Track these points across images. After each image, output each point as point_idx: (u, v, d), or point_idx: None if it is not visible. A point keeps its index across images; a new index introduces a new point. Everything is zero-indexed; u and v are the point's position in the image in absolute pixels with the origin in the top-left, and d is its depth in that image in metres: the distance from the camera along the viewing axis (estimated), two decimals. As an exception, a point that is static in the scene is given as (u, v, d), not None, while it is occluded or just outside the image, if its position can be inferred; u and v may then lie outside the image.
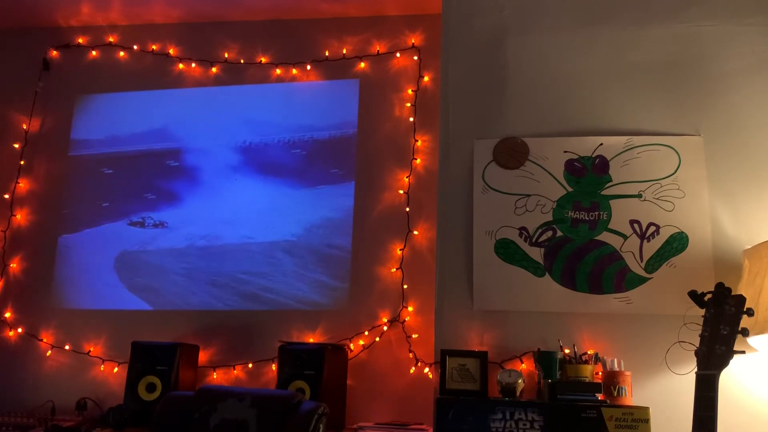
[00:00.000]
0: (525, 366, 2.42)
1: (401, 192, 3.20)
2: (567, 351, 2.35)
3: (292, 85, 3.44)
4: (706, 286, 1.94)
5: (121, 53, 3.65)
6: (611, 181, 2.56)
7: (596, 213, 2.54)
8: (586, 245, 2.51)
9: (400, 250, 3.13)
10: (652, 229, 2.49)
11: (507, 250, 2.55)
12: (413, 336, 3.01)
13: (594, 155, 2.60)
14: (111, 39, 3.67)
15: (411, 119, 3.29)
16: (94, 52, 3.68)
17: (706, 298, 1.89)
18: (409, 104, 3.31)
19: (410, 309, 3.05)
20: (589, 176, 2.58)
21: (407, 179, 3.21)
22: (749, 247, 2.27)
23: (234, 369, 3.08)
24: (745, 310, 1.82)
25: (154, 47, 3.62)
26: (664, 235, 2.48)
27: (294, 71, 3.47)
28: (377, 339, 3.04)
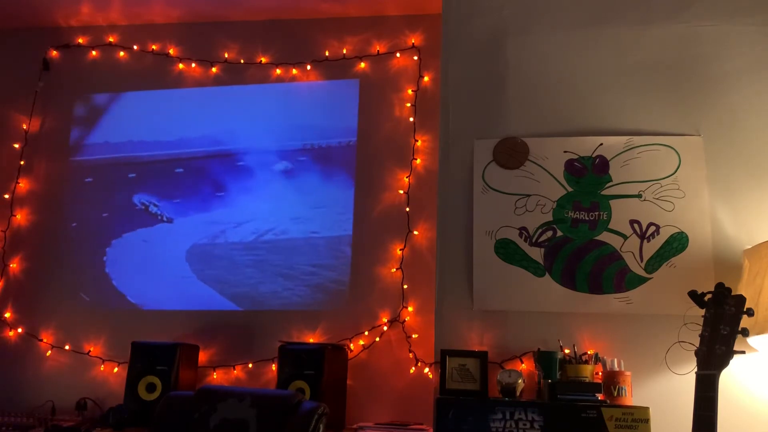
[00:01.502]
0: (525, 366, 2.42)
1: (401, 192, 3.20)
2: (567, 351, 2.35)
3: (293, 85, 3.44)
4: (706, 286, 1.94)
5: (121, 53, 3.65)
6: (611, 181, 2.56)
7: (596, 213, 2.54)
8: (586, 245, 2.51)
9: (400, 250, 3.13)
10: (652, 229, 2.49)
11: (507, 250, 2.55)
12: (413, 336, 3.01)
13: (594, 155, 2.60)
14: (111, 39, 3.67)
15: (411, 119, 3.29)
16: (94, 52, 3.68)
17: (706, 298, 1.89)
18: (409, 104, 3.31)
19: (410, 309, 3.05)
20: (589, 176, 2.58)
21: (407, 179, 3.21)
22: (749, 247, 2.27)
23: (234, 369, 3.08)
24: (745, 310, 1.82)
25: (154, 47, 3.62)
26: (664, 235, 2.48)
27: (294, 71, 3.47)
28: (377, 339, 3.04)
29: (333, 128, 3.29)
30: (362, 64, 3.42)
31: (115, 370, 3.15)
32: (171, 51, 3.60)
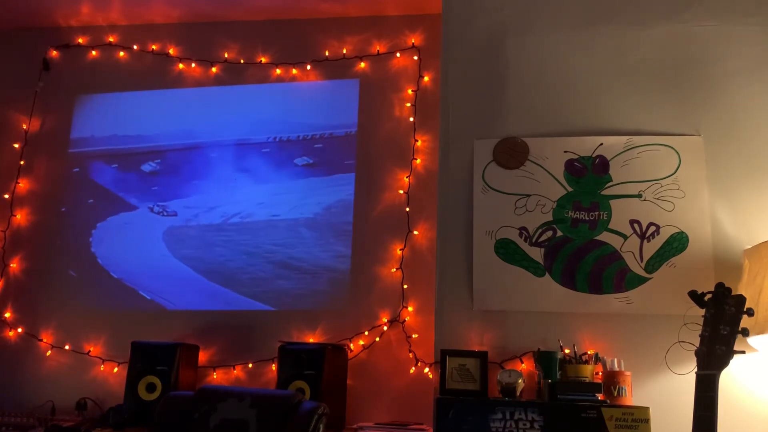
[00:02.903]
0: (525, 366, 2.42)
1: (401, 192, 3.20)
2: (567, 351, 2.35)
3: (292, 85, 3.45)
4: (706, 286, 1.94)
5: (121, 53, 3.66)
6: (611, 181, 2.56)
7: (596, 213, 2.54)
8: (586, 245, 2.51)
9: (400, 250, 3.13)
10: (652, 229, 2.49)
11: (507, 250, 2.55)
12: (413, 336, 3.01)
13: (594, 155, 2.60)
14: (111, 39, 3.67)
15: (411, 119, 3.29)
16: (94, 52, 3.68)
17: (706, 298, 1.89)
18: (409, 104, 3.31)
19: (410, 309, 3.05)
20: (589, 176, 2.58)
21: (407, 179, 3.21)
22: (749, 247, 2.27)
23: (234, 369, 3.08)
24: (745, 310, 1.82)
25: (154, 47, 3.62)
26: (664, 235, 2.48)
27: (294, 71, 3.47)
28: (377, 339, 3.04)
29: (332, 127, 3.32)
30: (362, 64, 3.42)
31: (115, 370, 3.15)
32: (171, 51, 3.60)
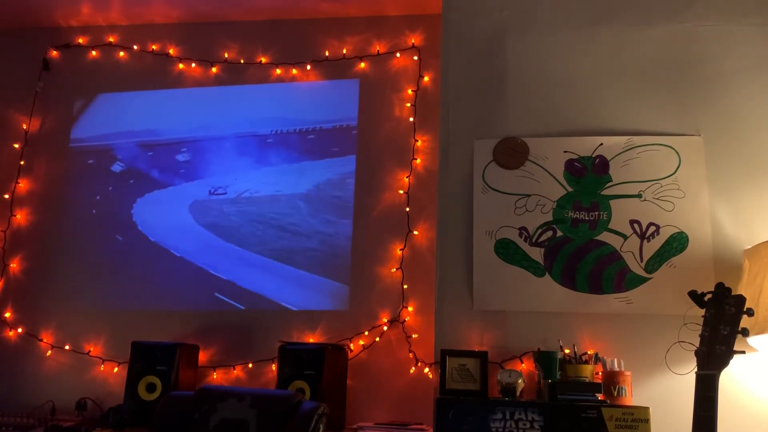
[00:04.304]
0: (525, 366, 2.42)
1: (401, 192, 3.20)
2: (567, 351, 2.35)
3: (292, 85, 3.46)
4: (706, 286, 1.94)
5: (121, 53, 3.66)
6: (611, 181, 2.57)
7: (596, 213, 2.54)
8: (586, 245, 2.51)
9: (400, 250, 3.13)
10: (652, 229, 2.49)
11: (507, 250, 2.55)
12: (413, 336, 3.01)
13: (594, 155, 2.60)
14: (111, 39, 3.67)
15: (411, 119, 3.29)
16: (94, 52, 3.68)
17: (706, 298, 1.89)
18: (409, 104, 3.31)
19: (410, 309, 3.05)
20: (589, 176, 2.58)
21: (407, 179, 3.21)
22: (749, 247, 2.27)
23: (234, 369, 3.08)
24: (745, 310, 1.82)
25: (154, 47, 3.62)
26: (664, 235, 2.48)
27: (294, 71, 3.47)
28: (377, 339, 3.04)
29: (333, 121, 3.44)
30: (362, 64, 3.42)
31: (115, 370, 3.15)
32: (171, 51, 3.60)
